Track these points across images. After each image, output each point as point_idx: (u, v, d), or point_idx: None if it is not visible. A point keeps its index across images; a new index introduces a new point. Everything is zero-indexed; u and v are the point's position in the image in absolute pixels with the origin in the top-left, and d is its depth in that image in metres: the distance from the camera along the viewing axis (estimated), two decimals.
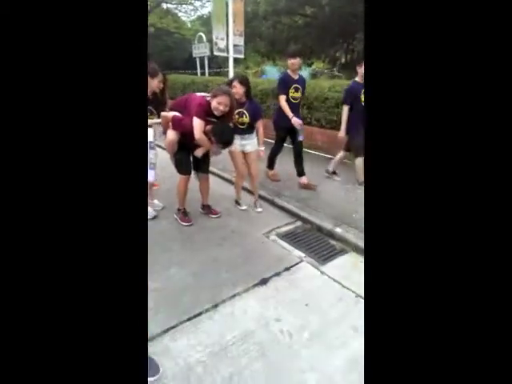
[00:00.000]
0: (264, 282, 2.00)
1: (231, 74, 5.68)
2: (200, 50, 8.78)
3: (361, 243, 2.38)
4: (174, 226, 2.68)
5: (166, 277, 2.00)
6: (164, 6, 14.66)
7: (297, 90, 3.25)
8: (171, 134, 2.45)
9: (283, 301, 1.83)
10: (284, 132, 3.40)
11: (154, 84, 2.42)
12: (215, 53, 5.85)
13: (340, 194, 3.32)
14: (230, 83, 2.65)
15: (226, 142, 2.41)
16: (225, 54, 5.80)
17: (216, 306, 1.76)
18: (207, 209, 2.87)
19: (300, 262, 2.23)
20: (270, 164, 3.65)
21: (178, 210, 2.75)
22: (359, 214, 2.83)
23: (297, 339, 1.56)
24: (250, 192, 3.19)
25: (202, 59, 9.26)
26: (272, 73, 16.07)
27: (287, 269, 2.15)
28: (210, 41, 7.03)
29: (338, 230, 2.59)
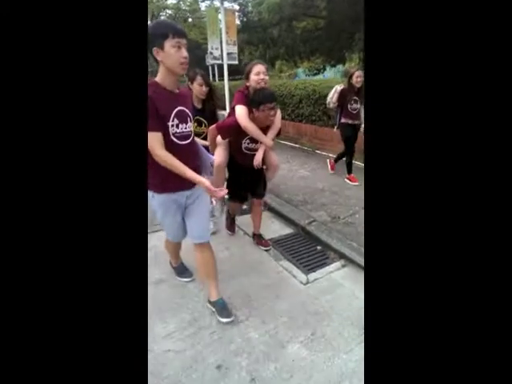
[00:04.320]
0: None
1: (226, 81, 6.52)
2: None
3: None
4: None
5: None
6: (190, 20, 16.11)
7: None
8: (220, 154, 2.05)
9: None
10: None
11: (195, 89, 2.13)
12: (210, 61, 6.77)
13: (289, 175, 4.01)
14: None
15: (271, 95, 1.89)
16: (220, 62, 6.69)
17: None
18: (258, 238, 2.43)
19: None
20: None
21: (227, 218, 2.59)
22: (287, 185, 3.51)
23: None
24: None
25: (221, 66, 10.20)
26: (300, 75, 17.07)
27: None
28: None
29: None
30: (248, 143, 2.01)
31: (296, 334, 1.58)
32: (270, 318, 1.69)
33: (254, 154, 2.02)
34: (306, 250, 2.39)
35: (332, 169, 3.88)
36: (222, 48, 6.49)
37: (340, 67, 20.47)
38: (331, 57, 12.96)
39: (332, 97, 3.32)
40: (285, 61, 16.88)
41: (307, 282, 2.00)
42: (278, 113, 2.02)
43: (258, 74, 1.92)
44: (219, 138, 2.02)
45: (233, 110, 1.98)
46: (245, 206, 2.82)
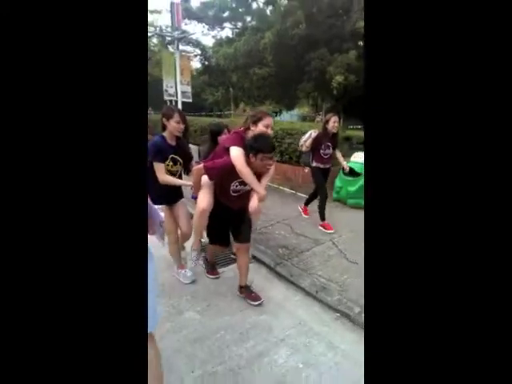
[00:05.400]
0: None
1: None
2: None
3: None
4: None
5: None
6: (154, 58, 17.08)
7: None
8: (205, 198, 1.84)
9: None
10: None
11: (171, 126, 2.00)
12: (166, 98, 7.43)
13: None
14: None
15: (271, 146, 1.80)
16: (174, 98, 7.38)
17: None
18: (246, 291, 2.11)
19: None
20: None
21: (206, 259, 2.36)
22: None
23: None
24: None
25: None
26: None
27: None
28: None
29: None
30: (237, 186, 1.85)
31: (194, 305, 2.00)
32: (176, 296, 2.10)
33: (240, 195, 1.90)
34: (223, 254, 2.84)
35: (305, 213, 3.71)
36: (177, 87, 7.22)
37: (296, 111, 22.67)
38: (281, 103, 14.51)
39: (306, 140, 3.25)
40: (243, 103, 18.36)
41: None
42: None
43: (267, 126, 1.83)
44: (204, 178, 1.85)
45: (225, 150, 1.80)
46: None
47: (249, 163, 1.75)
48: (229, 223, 2.03)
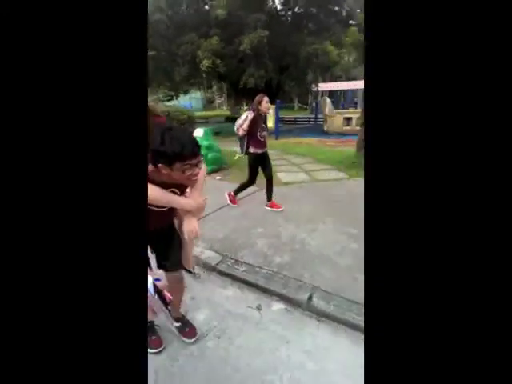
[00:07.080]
0: None
1: None
2: None
3: None
4: None
5: None
6: None
7: None
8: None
9: None
10: None
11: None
12: None
13: None
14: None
15: (195, 146, 1.08)
16: None
17: None
18: (181, 326, 1.55)
19: None
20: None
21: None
22: None
23: None
24: None
25: None
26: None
27: None
28: None
29: None
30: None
31: None
32: None
33: (155, 213, 1.17)
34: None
35: (233, 202, 3.28)
36: None
37: (198, 94, 22.12)
38: (169, 87, 14.30)
39: (242, 124, 2.87)
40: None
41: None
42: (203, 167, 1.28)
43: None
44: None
45: None
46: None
47: (160, 176, 1.09)
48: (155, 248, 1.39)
